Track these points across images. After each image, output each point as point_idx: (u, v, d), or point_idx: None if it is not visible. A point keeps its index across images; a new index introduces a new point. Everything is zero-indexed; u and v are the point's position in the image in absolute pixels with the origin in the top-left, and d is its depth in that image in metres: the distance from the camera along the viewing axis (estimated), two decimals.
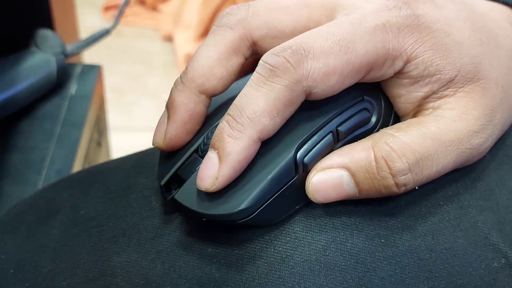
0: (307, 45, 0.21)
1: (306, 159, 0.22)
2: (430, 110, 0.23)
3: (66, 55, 0.46)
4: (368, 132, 0.23)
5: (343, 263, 0.22)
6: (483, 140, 0.23)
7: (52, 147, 0.41)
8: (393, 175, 0.21)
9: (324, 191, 0.22)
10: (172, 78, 0.99)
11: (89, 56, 0.72)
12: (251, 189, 0.21)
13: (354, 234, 0.22)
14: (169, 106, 0.23)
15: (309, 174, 0.22)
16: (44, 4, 0.48)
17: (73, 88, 0.46)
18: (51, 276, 0.23)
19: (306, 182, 0.22)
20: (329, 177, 0.22)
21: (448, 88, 0.22)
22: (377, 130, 0.23)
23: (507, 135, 0.26)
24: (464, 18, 0.24)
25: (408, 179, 0.22)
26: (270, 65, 0.21)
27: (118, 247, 0.23)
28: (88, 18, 1.40)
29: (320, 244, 0.22)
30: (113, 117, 0.95)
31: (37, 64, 0.43)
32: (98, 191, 0.26)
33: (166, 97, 0.24)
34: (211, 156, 0.21)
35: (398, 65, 0.22)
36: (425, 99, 0.23)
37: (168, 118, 0.23)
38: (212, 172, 0.21)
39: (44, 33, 0.45)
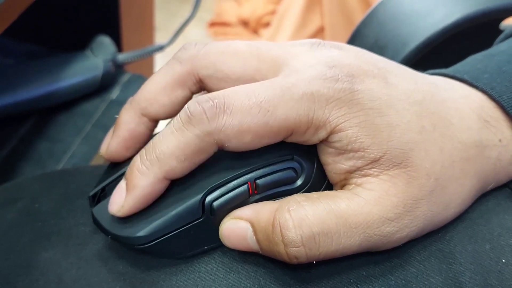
0: (229, 100, 0.21)
1: (215, 203, 0.22)
2: (353, 185, 0.22)
3: (115, 62, 0.50)
4: (292, 192, 0.23)
5: None
6: (395, 229, 0.22)
7: (77, 142, 0.45)
8: (285, 244, 0.21)
9: (231, 239, 0.23)
10: None
11: None
12: (153, 220, 0.22)
13: None
14: (116, 122, 0.26)
15: (223, 219, 0.23)
16: (113, 13, 0.53)
17: (115, 93, 0.50)
18: None
19: (220, 225, 0.23)
20: (237, 227, 0.23)
21: (372, 167, 0.22)
22: (305, 192, 0.23)
23: (452, 230, 0.24)
24: (415, 101, 0.23)
25: (300, 253, 0.21)
26: (190, 112, 0.22)
27: (49, 244, 0.25)
28: (193, 32, 1.50)
29: None
30: None
31: (84, 66, 0.48)
32: (59, 190, 0.28)
33: None
34: (121, 185, 0.23)
35: (322, 134, 0.22)
36: (350, 173, 0.23)
37: (113, 132, 0.25)
38: (119, 199, 0.22)
39: (101, 40, 0.50)
